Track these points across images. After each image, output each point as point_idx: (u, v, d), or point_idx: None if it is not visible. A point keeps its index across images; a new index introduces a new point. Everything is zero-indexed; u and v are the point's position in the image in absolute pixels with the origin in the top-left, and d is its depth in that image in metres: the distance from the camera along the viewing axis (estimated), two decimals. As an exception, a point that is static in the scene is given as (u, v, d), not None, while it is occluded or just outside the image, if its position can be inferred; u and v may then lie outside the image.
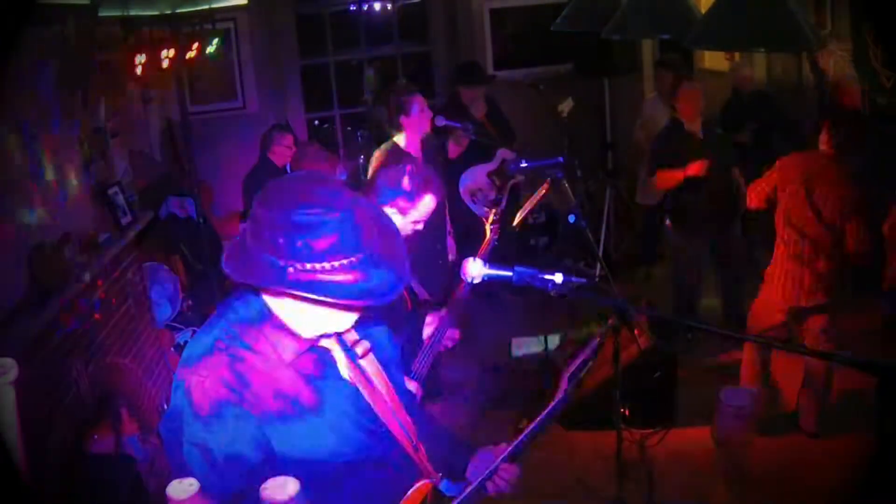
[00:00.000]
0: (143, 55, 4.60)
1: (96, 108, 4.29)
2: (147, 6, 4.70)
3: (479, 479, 1.80)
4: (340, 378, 1.69)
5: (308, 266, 1.46)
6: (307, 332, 1.61)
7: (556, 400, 1.88)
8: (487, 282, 1.81)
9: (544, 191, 4.39)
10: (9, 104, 3.16)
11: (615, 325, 3.28)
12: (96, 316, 3.55)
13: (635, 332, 3.75)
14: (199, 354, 1.59)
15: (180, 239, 5.40)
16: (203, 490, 1.50)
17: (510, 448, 1.83)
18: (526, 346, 5.09)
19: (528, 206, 4.55)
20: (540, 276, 1.91)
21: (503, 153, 5.26)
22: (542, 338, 4.76)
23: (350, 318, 1.61)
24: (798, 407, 3.98)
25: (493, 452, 1.87)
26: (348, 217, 1.48)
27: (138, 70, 4.59)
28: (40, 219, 3.33)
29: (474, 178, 5.25)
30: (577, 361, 1.94)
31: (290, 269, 1.46)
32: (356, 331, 1.73)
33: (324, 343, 1.67)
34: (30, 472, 2.56)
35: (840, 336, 3.92)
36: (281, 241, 1.46)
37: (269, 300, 1.61)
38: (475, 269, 1.95)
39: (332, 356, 1.69)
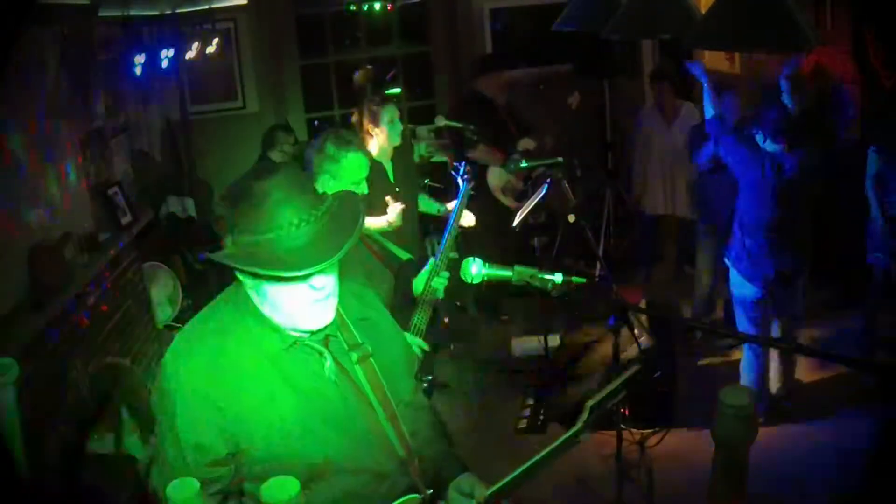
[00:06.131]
0: (143, 55, 4.60)
1: (96, 108, 4.29)
2: (147, 6, 4.71)
3: None
4: (327, 381, 1.66)
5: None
6: (286, 325, 1.62)
7: (569, 433, 1.68)
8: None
9: (544, 191, 4.39)
10: (9, 104, 3.16)
11: (615, 324, 3.29)
12: (97, 316, 3.55)
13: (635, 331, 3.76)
14: (185, 343, 1.64)
15: (180, 239, 5.40)
16: (172, 472, 1.56)
17: (490, 490, 1.66)
18: (526, 346, 5.09)
19: (527, 206, 4.55)
20: (540, 276, 1.89)
21: (525, 144, 5.28)
22: (541, 338, 4.76)
23: (323, 314, 1.61)
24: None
25: (473, 486, 1.72)
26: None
27: (138, 70, 4.59)
28: (40, 219, 3.33)
29: (500, 173, 5.28)
30: (605, 392, 1.76)
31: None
32: (358, 334, 1.73)
33: (313, 344, 1.66)
34: (30, 472, 2.56)
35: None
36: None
37: (253, 295, 1.62)
38: (475, 269, 1.95)
39: (320, 358, 1.67)
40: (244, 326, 1.62)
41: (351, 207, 1.62)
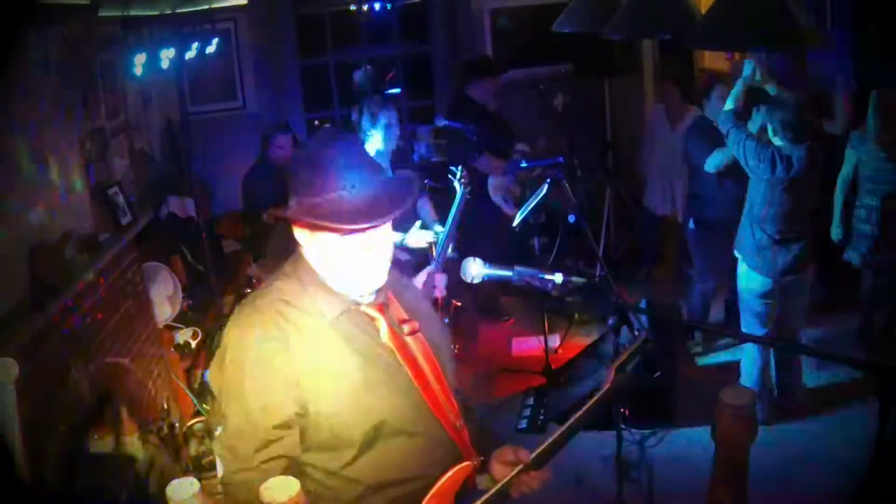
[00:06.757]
0: (143, 55, 4.60)
1: (96, 108, 4.29)
2: (147, 6, 4.70)
3: (502, 482, 1.76)
4: (382, 346, 1.76)
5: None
6: (342, 288, 1.73)
7: (598, 396, 1.84)
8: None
9: (544, 191, 4.40)
10: (9, 104, 3.15)
11: (615, 324, 3.29)
12: (97, 316, 3.54)
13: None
14: (247, 313, 1.72)
15: (180, 239, 5.40)
16: (236, 439, 1.64)
17: (536, 452, 1.79)
18: (526, 346, 5.09)
19: (527, 207, 4.56)
20: (540, 276, 1.92)
21: (521, 147, 5.28)
22: (541, 338, 4.76)
23: (376, 274, 1.72)
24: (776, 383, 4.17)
25: (516, 453, 1.83)
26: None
27: (138, 70, 4.58)
28: (40, 219, 3.32)
29: (501, 180, 5.28)
30: (625, 354, 1.91)
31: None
32: (405, 310, 1.84)
33: (368, 311, 1.75)
34: (30, 471, 2.56)
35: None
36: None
37: (310, 256, 1.73)
38: (475, 269, 1.96)
39: (375, 325, 1.77)
40: (306, 295, 1.72)
41: (406, 180, 1.74)
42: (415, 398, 1.75)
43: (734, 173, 4.37)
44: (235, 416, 1.66)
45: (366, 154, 1.72)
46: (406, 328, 1.80)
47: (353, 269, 1.69)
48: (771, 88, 3.91)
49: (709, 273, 4.83)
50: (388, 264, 1.74)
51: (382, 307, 1.78)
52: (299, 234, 1.72)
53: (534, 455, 1.77)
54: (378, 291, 1.77)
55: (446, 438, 1.80)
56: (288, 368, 1.64)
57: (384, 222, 1.66)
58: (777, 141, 3.80)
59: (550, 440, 1.76)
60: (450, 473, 1.76)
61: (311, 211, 1.63)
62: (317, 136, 1.73)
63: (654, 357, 4.04)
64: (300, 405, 1.65)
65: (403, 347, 1.78)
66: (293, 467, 1.68)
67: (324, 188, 1.63)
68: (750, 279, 3.96)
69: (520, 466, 1.75)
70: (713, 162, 4.39)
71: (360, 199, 1.62)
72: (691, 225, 4.86)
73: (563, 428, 1.76)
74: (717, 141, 4.41)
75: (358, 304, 1.75)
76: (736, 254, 4.05)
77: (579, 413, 1.78)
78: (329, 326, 1.70)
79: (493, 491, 1.73)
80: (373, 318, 1.76)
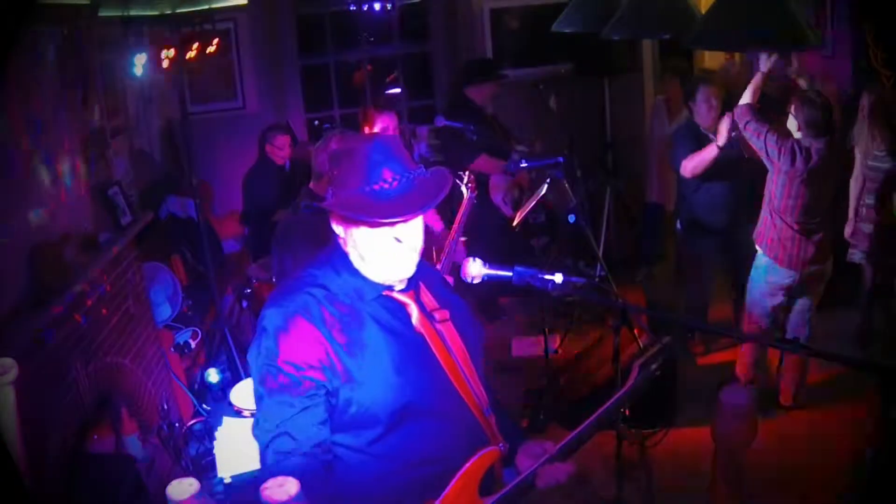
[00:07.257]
0: (143, 55, 4.60)
1: (96, 108, 4.29)
2: (147, 6, 4.69)
3: (528, 471, 1.79)
4: (413, 331, 1.81)
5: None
6: (375, 276, 1.79)
7: (623, 390, 1.88)
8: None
9: (544, 190, 4.40)
10: (9, 104, 3.16)
11: (615, 325, 3.29)
12: (97, 316, 3.54)
13: (635, 331, 3.77)
14: (283, 297, 1.79)
15: (180, 239, 5.40)
16: (266, 421, 1.71)
17: (563, 442, 1.82)
18: (526, 346, 5.09)
19: (527, 206, 4.56)
20: (540, 276, 1.93)
21: (521, 148, 5.28)
22: (541, 338, 4.76)
23: (406, 265, 1.78)
24: (778, 383, 4.19)
25: (542, 446, 1.87)
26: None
27: (138, 70, 4.59)
28: (40, 219, 3.33)
29: (502, 179, 5.27)
30: (651, 352, 1.93)
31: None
32: (437, 300, 1.90)
33: (400, 297, 1.82)
34: (30, 471, 2.56)
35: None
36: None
37: (343, 244, 1.81)
38: (475, 269, 1.96)
39: (407, 311, 1.82)
40: (342, 279, 1.79)
41: (440, 177, 1.79)
42: (443, 383, 1.80)
43: (717, 177, 4.38)
44: (267, 398, 1.72)
45: (402, 151, 1.77)
46: (437, 316, 1.86)
47: (385, 259, 1.76)
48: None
49: (699, 274, 4.83)
50: (417, 256, 1.80)
51: (414, 294, 1.85)
52: (335, 224, 1.81)
53: (559, 446, 1.80)
54: (410, 280, 1.84)
55: (474, 424, 1.84)
56: (323, 343, 1.70)
57: (413, 217, 1.73)
58: (798, 134, 3.83)
59: (576, 433, 1.80)
60: (476, 457, 1.79)
61: (345, 204, 1.71)
62: (356, 134, 1.79)
63: (673, 348, 4.06)
64: (331, 384, 1.71)
65: (434, 334, 1.83)
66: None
67: (358, 182, 1.71)
68: (770, 271, 3.97)
69: (545, 456, 1.79)
70: (688, 167, 4.38)
71: (393, 194, 1.69)
72: (678, 226, 4.86)
73: (588, 421, 1.81)
74: (702, 146, 4.41)
75: (390, 290, 1.81)
76: (757, 246, 4.05)
77: (604, 407, 1.84)
78: (362, 310, 1.77)
79: (518, 479, 1.76)
80: (405, 304, 1.83)
